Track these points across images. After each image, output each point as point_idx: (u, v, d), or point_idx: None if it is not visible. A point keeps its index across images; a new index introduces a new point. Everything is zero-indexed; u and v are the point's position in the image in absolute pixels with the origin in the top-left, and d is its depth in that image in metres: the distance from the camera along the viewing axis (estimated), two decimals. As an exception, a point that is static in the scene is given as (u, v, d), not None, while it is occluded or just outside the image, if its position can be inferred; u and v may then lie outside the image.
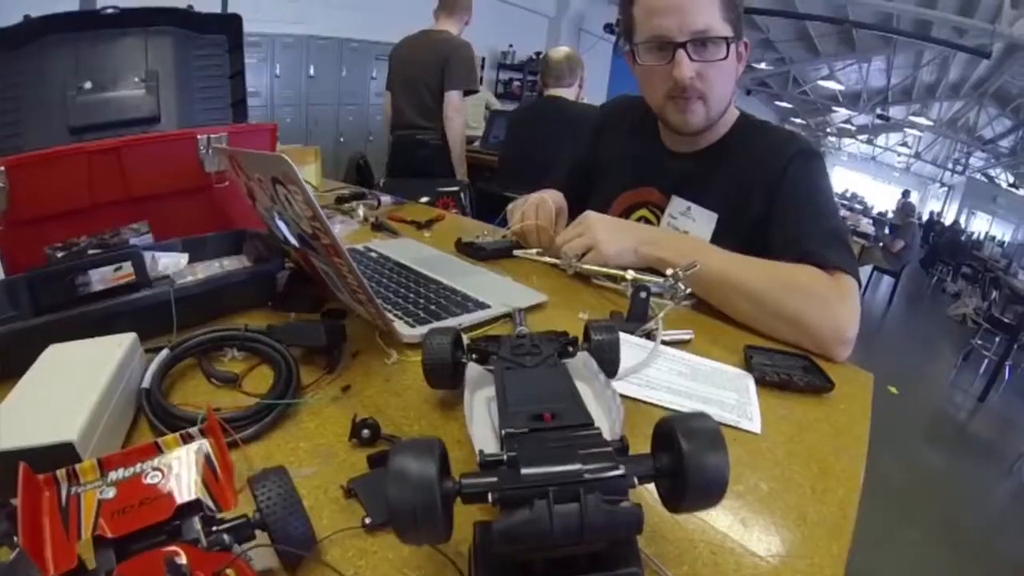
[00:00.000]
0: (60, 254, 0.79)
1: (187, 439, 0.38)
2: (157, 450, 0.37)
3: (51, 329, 0.57)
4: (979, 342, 5.30)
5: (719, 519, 0.47)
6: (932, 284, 9.92)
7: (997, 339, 5.09)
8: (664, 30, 0.93)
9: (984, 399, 4.62)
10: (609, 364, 0.54)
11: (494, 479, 0.32)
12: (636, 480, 0.33)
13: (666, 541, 0.44)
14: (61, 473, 0.35)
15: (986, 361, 5.04)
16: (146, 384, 0.53)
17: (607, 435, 0.38)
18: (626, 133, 1.22)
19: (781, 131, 1.08)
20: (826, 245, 0.90)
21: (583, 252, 0.96)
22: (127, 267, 0.73)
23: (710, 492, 0.34)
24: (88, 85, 0.95)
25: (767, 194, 0.99)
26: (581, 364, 0.52)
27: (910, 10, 6.45)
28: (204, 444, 0.38)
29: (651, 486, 0.36)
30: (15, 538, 0.34)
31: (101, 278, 0.74)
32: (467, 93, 2.91)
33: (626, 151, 1.20)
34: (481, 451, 0.35)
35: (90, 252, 0.80)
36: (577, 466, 0.32)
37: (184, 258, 0.83)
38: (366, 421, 0.49)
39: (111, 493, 0.34)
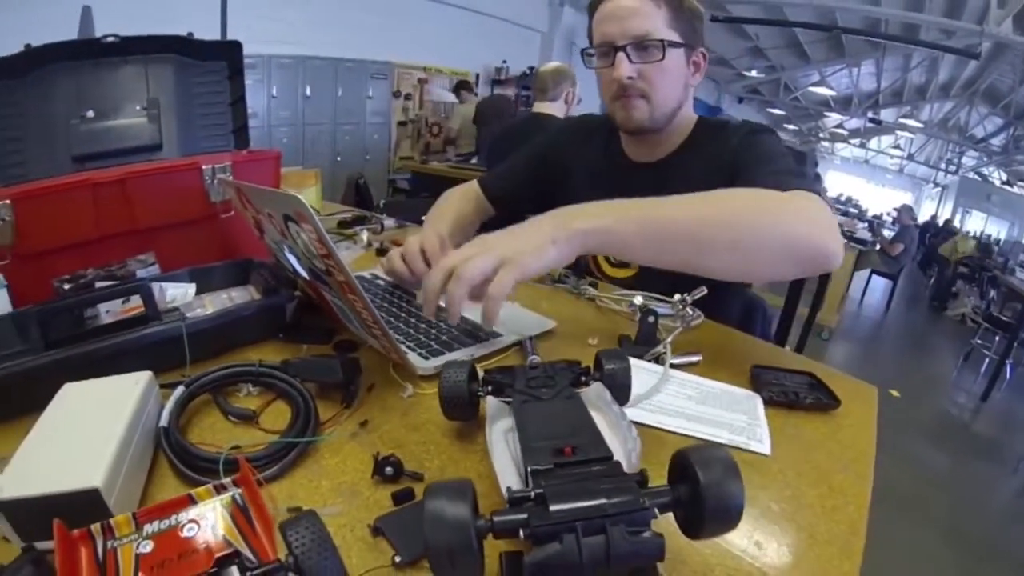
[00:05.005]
0: (67, 286, 0.79)
1: (220, 489, 0.39)
2: (191, 501, 0.38)
3: (63, 366, 0.58)
4: (979, 341, 5.30)
5: (734, 542, 0.48)
6: (930, 285, 9.95)
7: (997, 338, 5.10)
8: (609, 36, 1.00)
9: (986, 398, 4.62)
10: (622, 391, 0.55)
11: (524, 516, 0.34)
12: (657, 511, 0.35)
13: (685, 565, 0.45)
14: (96, 528, 0.35)
15: (987, 360, 5.05)
16: (164, 423, 0.53)
17: (625, 466, 0.40)
18: (593, 147, 1.23)
19: (734, 123, 1.10)
20: (774, 176, 0.85)
21: (492, 271, 0.69)
22: (135, 299, 0.73)
23: (728, 519, 0.36)
24: (90, 114, 0.95)
25: (726, 181, 0.93)
26: (595, 395, 0.53)
27: (898, 14, 6.52)
28: (238, 493, 0.38)
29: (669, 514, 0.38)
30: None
31: (110, 311, 0.75)
32: None
33: (592, 164, 1.22)
34: (509, 488, 0.37)
35: (97, 284, 0.81)
36: (602, 500, 0.34)
37: (192, 288, 0.83)
38: (388, 459, 0.49)
39: (149, 547, 0.34)
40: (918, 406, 4.28)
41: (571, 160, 1.25)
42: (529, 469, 0.38)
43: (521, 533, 0.33)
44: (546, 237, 0.72)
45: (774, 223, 0.74)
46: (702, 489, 0.34)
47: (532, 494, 0.35)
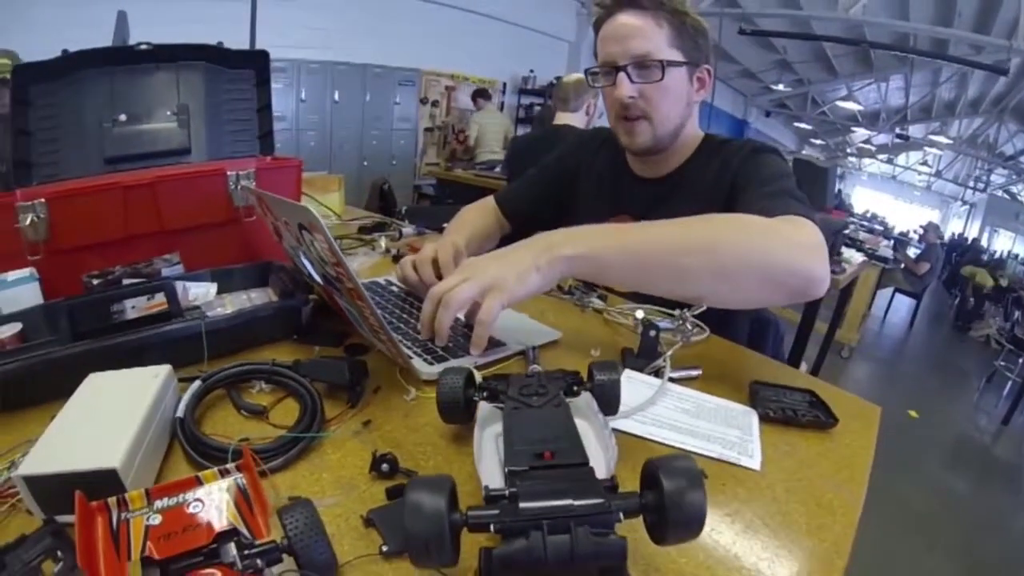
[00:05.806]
0: (96, 282, 0.83)
1: (224, 473, 0.42)
2: (198, 482, 0.42)
3: (89, 357, 0.62)
4: (1002, 363, 5.19)
5: (712, 553, 0.49)
6: (955, 304, 9.75)
7: (1021, 360, 4.99)
8: (611, 56, 1.01)
9: (1008, 422, 4.52)
10: (610, 402, 0.58)
11: (496, 512, 0.37)
12: (622, 515, 0.37)
13: (659, 573, 0.46)
14: (112, 500, 0.39)
15: (1010, 383, 4.95)
16: (180, 414, 0.57)
17: (603, 473, 0.42)
18: (602, 159, 1.25)
19: (738, 141, 1.10)
20: (770, 198, 0.86)
21: (479, 297, 0.70)
22: (160, 296, 0.77)
23: (689, 526, 0.38)
24: (123, 117, 0.99)
25: (726, 199, 1.00)
26: (584, 404, 0.56)
27: (926, 29, 6.45)
28: (240, 478, 0.42)
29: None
30: (59, 553, 0.38)
31: (135, 306, 0.78)
32: None
33: (600, 176, 1.23)
34: (486, 486, 0.39)
35: (124, 281, 0.85)
36: (568, 501, 0.37)
37: (213, 288, 0.88)
38: (385, 456, 0.53)
39: (157, 520, 0.38)
40: (937, 427, 4.21)
41: (582, 172, 1.27)
42: (507, 470, 0.41)
43: (492, 528, 0.36)
44: (530, 263, 0.73)
45: (755, 249, 0.73)
46: (665, 497, 0.37)
47: (506, 492, 0.38)
